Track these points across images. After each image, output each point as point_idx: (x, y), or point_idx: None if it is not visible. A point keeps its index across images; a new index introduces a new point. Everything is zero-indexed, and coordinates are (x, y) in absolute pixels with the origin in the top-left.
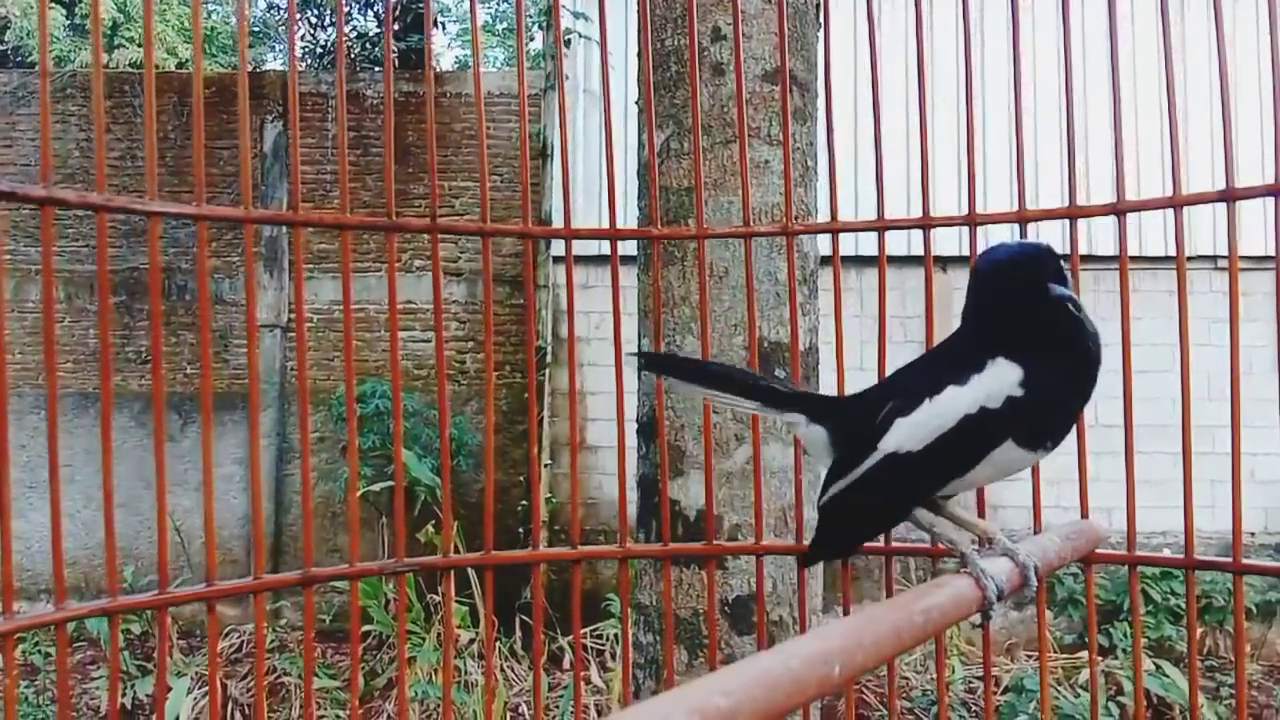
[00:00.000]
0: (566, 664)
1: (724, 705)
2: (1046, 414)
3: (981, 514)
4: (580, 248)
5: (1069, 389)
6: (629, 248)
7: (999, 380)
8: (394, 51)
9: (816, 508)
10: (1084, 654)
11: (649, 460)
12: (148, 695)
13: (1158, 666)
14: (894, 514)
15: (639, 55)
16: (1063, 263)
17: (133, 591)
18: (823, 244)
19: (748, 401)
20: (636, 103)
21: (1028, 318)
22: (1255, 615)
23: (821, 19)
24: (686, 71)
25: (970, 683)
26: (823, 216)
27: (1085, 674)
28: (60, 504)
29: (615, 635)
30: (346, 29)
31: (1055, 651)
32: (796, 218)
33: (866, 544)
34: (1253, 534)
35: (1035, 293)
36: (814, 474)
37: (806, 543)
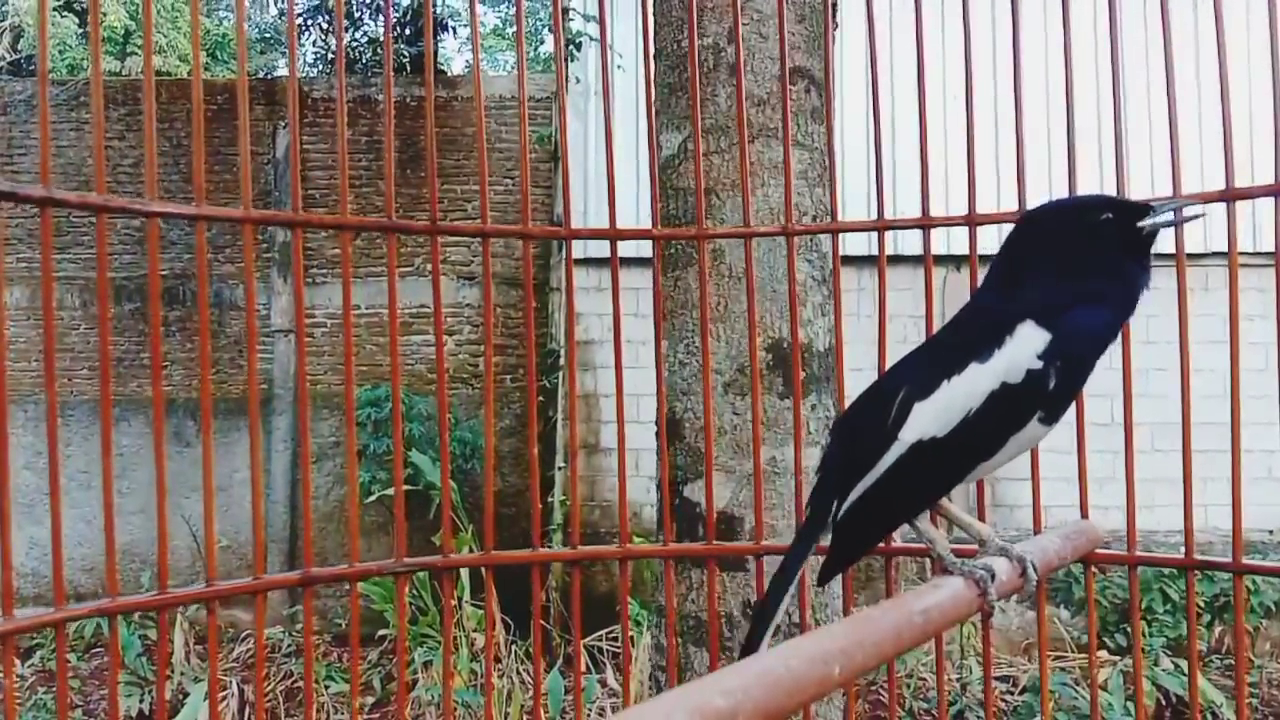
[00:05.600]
0: (583, 667)
1: (723, 705)
2: (1068, 388)
3: (981, 516)
4: (593, 250)
5: (1090, 359)
6: (634, 250)
7: (1021, 351)
8: (405, 56)
9: (831, 522)
10: (1102, 654)
11: (670, 463)
12: (168, 699)
13: (1177, 665)
14: (919, 507)
15: (655, 56)
16: None
17: None
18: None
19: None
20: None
21: (1085, 271)
22: (1275, 614)
23: (838, 19)
24: (706, 73)
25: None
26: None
27: (1105, 673)
28: (60, 506)
29: (634, 638)
30: (358, 34)
31: (1073, 651)
32: (816, 218)
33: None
34: (1270, 531)
35: (1114, 238)
36: None
37: None
